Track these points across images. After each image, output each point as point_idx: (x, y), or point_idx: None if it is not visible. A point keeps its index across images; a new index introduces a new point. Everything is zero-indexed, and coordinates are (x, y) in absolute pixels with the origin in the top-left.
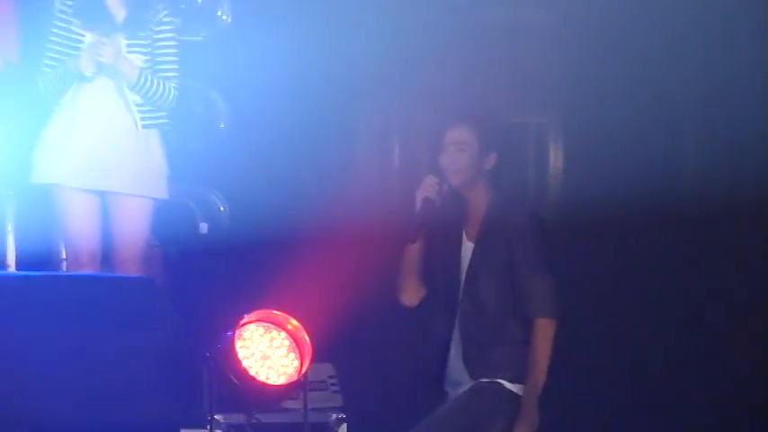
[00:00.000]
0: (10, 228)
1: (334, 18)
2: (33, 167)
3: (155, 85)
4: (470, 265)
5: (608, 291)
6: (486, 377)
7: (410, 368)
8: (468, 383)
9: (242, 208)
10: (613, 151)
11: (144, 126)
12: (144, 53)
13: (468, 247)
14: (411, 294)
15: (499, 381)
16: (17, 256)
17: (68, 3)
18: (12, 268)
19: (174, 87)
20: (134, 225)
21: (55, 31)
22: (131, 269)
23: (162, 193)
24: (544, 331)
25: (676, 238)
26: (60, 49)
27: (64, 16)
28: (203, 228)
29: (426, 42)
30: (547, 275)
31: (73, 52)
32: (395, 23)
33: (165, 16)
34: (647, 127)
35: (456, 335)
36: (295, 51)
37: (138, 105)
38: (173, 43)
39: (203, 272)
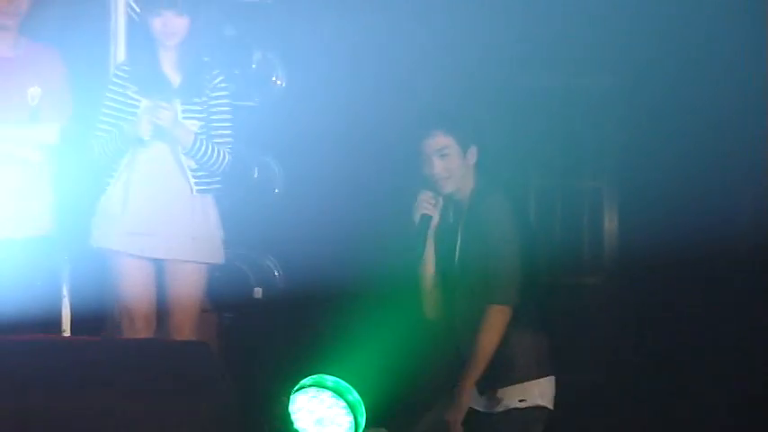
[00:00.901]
0: (65, 292)
1: (385, 81)
2: (89, 232)
3: (210, 151)
4: (458, 259)
5: (661, 349)
6: (491, 387)
7: None
8: (475, 395)
9: (296, 272)
10: (668, 213)
11: (199, 191)
12: (199, 118)
13: (458, 240)
14: (435, 298)
15: (518, 404)
16: (72, 321)
17: (124, 68)
18: (67, 333)
19: (228, 152)
20: (189, 290)
21: (110, 96)
22: (186, 334)
23: (216, 257)
24: (494, 318)
25: (734, 298)
26: (116, 114)
27: (120, 81)
28: (258, 292)
29: (481, 107)
30: (510, 261)
31: (128, 117)
32: (450, 88)
33: (220, 82)
34: (702, 189)
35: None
36: (348, 115)
37: (192, 170)
38: (227, 108)
39: (258, 336)
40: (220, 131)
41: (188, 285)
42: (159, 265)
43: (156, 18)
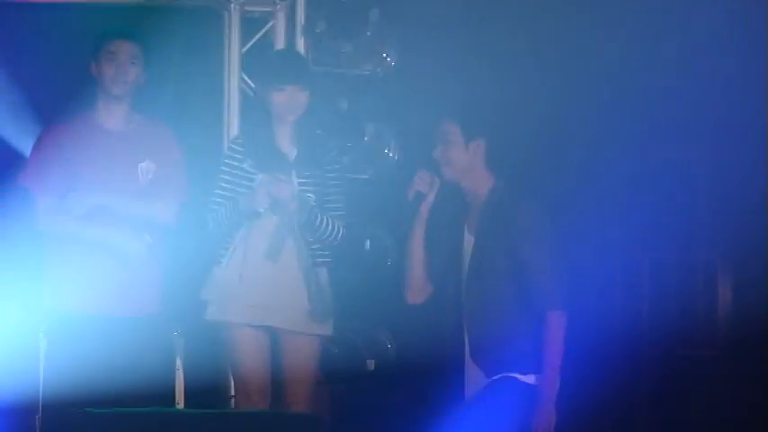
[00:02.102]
0: (179, 364)
1: None
2: (203, 304)
3: (324, 223)
4: (471, 260)
5: None
6: (500, 374)
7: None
8: (482, 381)
9: (409, 344)
10: None
11: (313, 264)
12: (314, 191)
13: (469, 241)
14: (417, 291)
15: (514, 375)
16: (186, 393)
17: (239, 142)
18: (181, 405)
19: (342, 225)
20: (302, 362)
21: (225, 170)
22: (300, 406)
23: (330, 330)
24: (555, 324)
25: None
26: (231, 187)
27: (235, 155)
28: (370, 364)
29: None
30: (555, 267)
31: (243, 190)
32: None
33: (335, 155)
34: None
35: (465, 332)
36: None
37: (307, 243)
38: (341, 182)
39: (370, 408)
40: (335, 204)
41: (302, 357)
42: (274, 337)
43: (277, 93)
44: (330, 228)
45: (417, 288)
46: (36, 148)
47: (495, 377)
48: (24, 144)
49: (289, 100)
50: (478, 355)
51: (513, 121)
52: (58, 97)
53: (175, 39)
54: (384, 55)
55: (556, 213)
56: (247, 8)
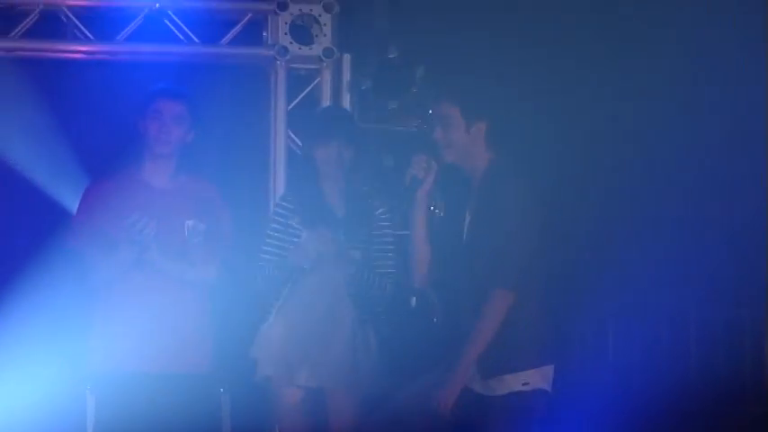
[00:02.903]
0: (226, 423)
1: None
2: (250, 363)
3: (371, 280)
4: (466, 242)
5: None
6: (497, 374)
7: None
8: (477, 379)
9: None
10: None
11: (360, 321)
12: (361, 248)
13: (467, 221)
14: (425, 265)
15: (522, 388)
16: None
17: (287, 199)
18: None
19: (389, 282)
20: (350, 420)
21: (273, 226)
22: None
23: (376, 388)
24: (498, 302)
25: None
26: (278, 243)
27: (282, 212)
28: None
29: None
30: (521, 247)
31: (290, 247)
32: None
33: (382, 212)
34: None
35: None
36: None
37: (354, 299)
38: (389, 239)
39: None
40: (382, 261)
41: (349, 415)
42: (320, 395)
43: (322, 149)
44: (377, 285)
45: (425, 273)
46: (82, 204)
47: (491, 380)
48: (71, 199)
49: (334, 156)
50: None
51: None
52: (105, 154)
53: (222, 96)
54: (430, 111)
55: (598, 275)
56: (293, 65)
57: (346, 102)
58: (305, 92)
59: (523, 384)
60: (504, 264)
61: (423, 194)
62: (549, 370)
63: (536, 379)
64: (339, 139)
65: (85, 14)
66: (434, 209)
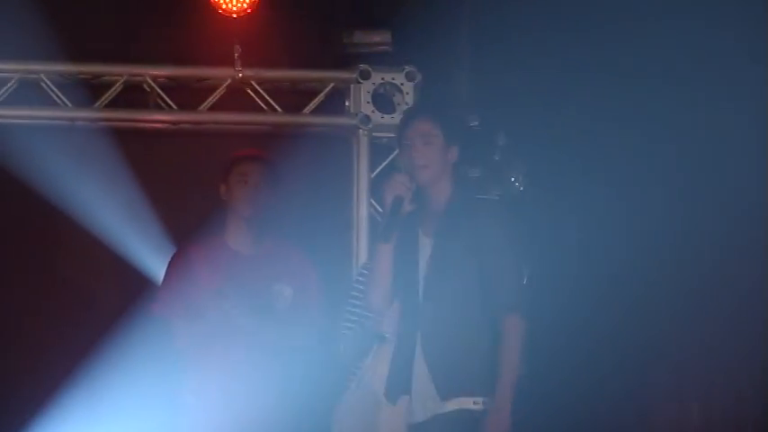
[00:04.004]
0: None
1: (620, 276)
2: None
3: None
4: (430, 263)
5: None
6: (455, 395)
7: None
8: (436, 400)
9: None
10: None
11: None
12: None
13: (425, 244)
14: (382, 299)
15: (471, 406)
16: None
17: (369, 268)
18: None
19: None
20: None
21: (354, 294)
22: None
23: None
24: (514, 329)
25: None
26: (359, 311)
27: (365, 279)
28: None
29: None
30: (517, 269)
31: (371, 315)
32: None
33: None
34: None
35: (419, 344)
36: (587, 306)
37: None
38: None
39: None
40: None
41: None
42: None
43: None
44: None
45: (385, 295)
46: (168, 272)
47: (448, 402)
48: (157, 267)
49: None
50: (435, 370)
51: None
52: (190, 221)
53: (305, 164)
54: (512, 179)
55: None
56: (376, 134)
57: None
58: (387, 160)
59: (474, 403)
60: (511, 290)
61: (403, 214)
62: None
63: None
64: None
65: (169, 84)
66: None
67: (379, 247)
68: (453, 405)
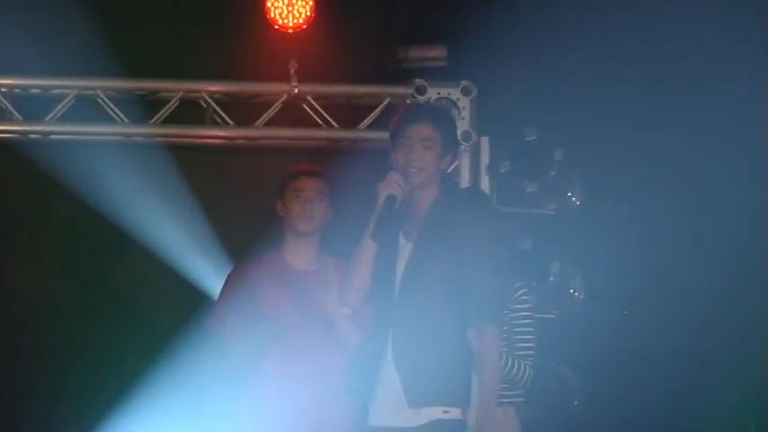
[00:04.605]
0: None
1: (691, 295)
2: None
3: (512, 363)
4: (408, 267)
5: None
6: (427, 404)
7: None
8: (404, 409)
9: None
10: None
11: (500, 404)
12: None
13: (405, 248)
14: (357, 295)
15: (442, 415)
16: None
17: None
18: None
19: (530, 365)
20: None
21: None
22: None
23: None
24: (494, 340)
25: None
26: None
27: None
28: None
29: None
30: (496, 279)
31: None
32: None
33: (522, 294)
34: None
35: (390, 348)
36: (648, 329)
37: None
38: (529, 321)
39: None
40: (522, 344)
41: None
42: None
43: None
44: (518, 368)
45: (361, 291)
46: (224, 287)
47: (417, 410)
48: (214, 283)
49: None
50: (406, 378)
51: None
52: (246, 237)
53: (361, 180)
54: (569, 194)
55: None
56: None
57: (485, 185)
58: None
59: (444, 412)
60: (489, 300)
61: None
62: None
63: (456, 411)
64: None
65: (225, 100)
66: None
67: (365, 243)
68: (424, 416)
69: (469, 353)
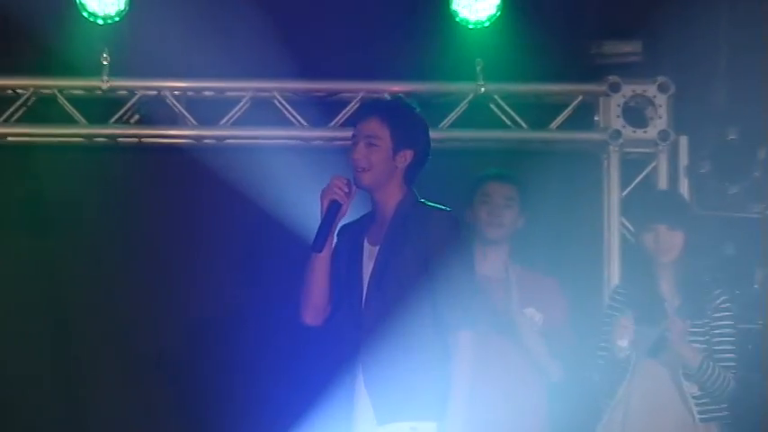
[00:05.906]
0: None
1: None
2: None
3: (714, 374)
4: (374, 272)
5: None
6: (395, 421)
7: None
8: (375, 427)
9: None
10: None
11: (702, 420)
12: (701, 341)
13: (371, 252)
14: (317, 312)
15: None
16: None
17: (620, 291)
18: None
19: (732, 377)
20: None
21: (607, 320)
22: None
23: None
24: (466, 345)
25: None
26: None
27: (617, 305)
28: None
29: None
30: (470, 283)
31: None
32: None
33: (723, 302)
34: None
35: (360, 363)
36: None
37: (695, 397)
38: (731, 330)
39: None
40: (724, 355)
41: None
42: None
43: (647, 234)
44: (721, 380)
45: (319, 307)
46: None
47: (383, 427)
48: None
49: (658, 240)
50: (373, 390)
51: None
52: None
53: (552, 182)
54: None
55: None
56: (627, 150)
57: (684, 187)
58: (640, 177)
59: (411, 429)
60: (463, 305)
61: (339, 221)
62: (434, 427)
63: (424, 427)
64: (662, 222)
65: (298, 100)
66: None
67: (311, 257)
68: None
69: (446, 361)
